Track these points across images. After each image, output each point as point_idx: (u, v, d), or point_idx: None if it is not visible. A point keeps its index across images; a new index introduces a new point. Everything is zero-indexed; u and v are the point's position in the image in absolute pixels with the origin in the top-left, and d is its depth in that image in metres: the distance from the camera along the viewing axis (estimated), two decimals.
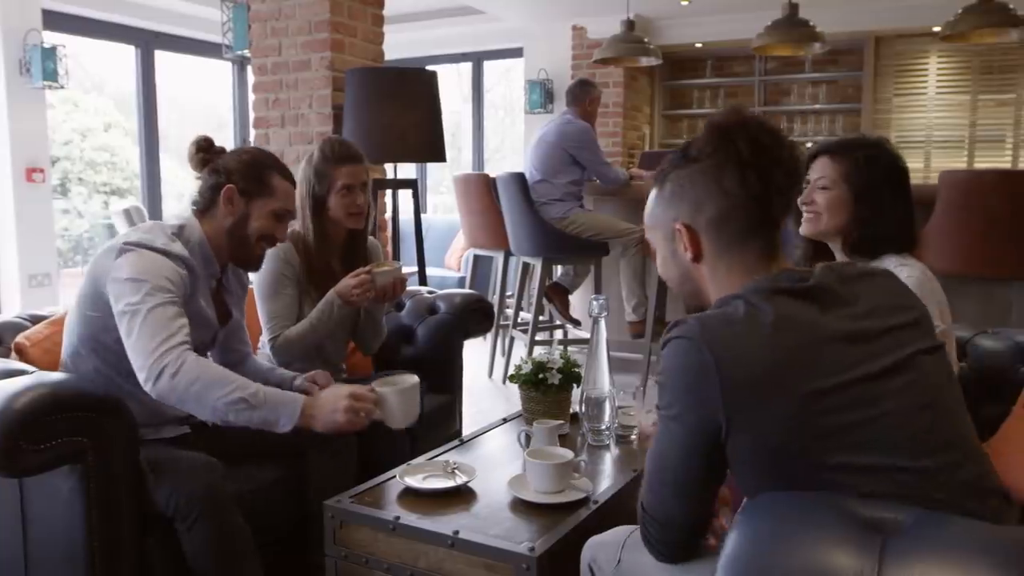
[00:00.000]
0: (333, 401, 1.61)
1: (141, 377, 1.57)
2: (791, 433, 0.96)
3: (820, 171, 1.65)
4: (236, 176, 1.77)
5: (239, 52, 4.11)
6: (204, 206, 1.79)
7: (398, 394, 1.61)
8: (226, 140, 7.22)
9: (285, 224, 1.86)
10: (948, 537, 0.78)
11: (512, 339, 4.46)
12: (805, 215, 1.68)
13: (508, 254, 4.43)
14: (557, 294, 4.43)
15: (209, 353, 1.94)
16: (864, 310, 1.04)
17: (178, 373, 1.54)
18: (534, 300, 4.22)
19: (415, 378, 1.65)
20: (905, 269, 1.56)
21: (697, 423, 1.01)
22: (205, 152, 1.84)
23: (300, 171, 2.19)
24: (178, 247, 1.70)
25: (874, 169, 1.61)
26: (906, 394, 0.99)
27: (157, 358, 1.54)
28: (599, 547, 1.27)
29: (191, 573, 1.59)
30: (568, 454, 1.60)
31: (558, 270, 4.49)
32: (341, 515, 1.54)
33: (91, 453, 1.50)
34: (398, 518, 1.48)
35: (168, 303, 1.60)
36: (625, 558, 1.20)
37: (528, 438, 1.78)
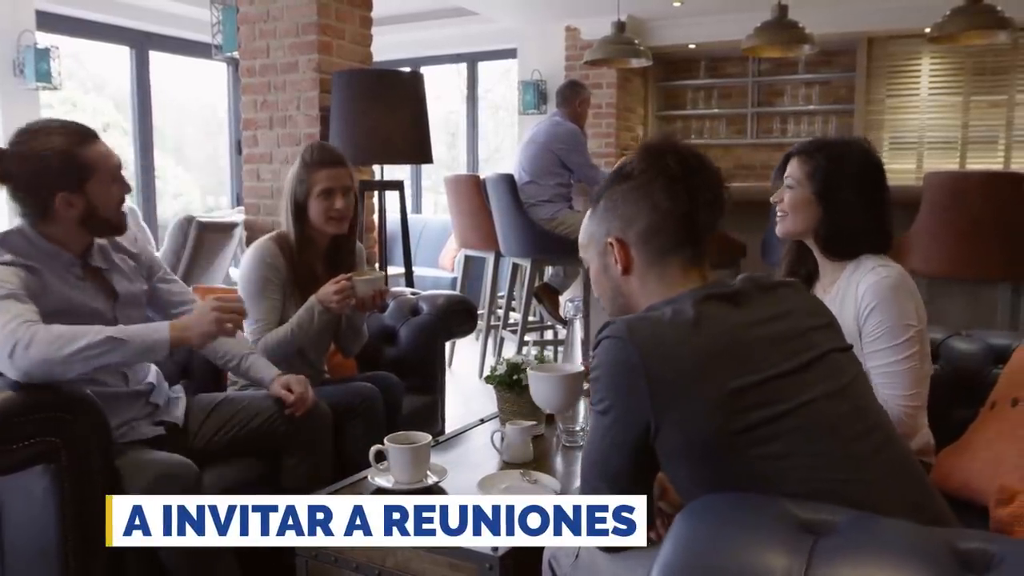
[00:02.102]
0: (200, 316, 1.68)
1: (3, 367, 1.52)
2: (719, 428, 1.00)
3: (789, 171, 1.67)
4: (55, 178, 1.64)
5: (229, 53, 4.13)
6: (38, 219, 1.68)
7: (410, 452, 1.62)
8: (224, 139, 7.25)
9: (122, 179, 1.75)
10: (877, 537, 0.79)
11: (502, 340, 4.48)
12: (777, 215, 1.70)
13: (499, 255, 4.45)
14: (547, 294, 4.44)
15: None
16: (782, 313, 1.11)
17: (31, 343, 1.49)
18: (524, 301, 4.24)
19: (428, 437, 1.68)
20: (883, 269, 1.57)
21: (626, 418, 1.06)
22: None
23: (287, 177, 2.21)
24: (5, 256, 1.62)
25: (839, 168, 1.61)
26: (824, 387, 1.05)
27: (6, 337, 1.50)
28: (560, 545, 1.29)
29: (165, 572, 1.60)
30: (577, 367, 1.61)
31: (548, 271, 4.51)
32: None
33: (64, 453, 1.52)
34: None
35: (6, 296, 1.55)
36: (583, 553, 1.23)
37: (502, 439, 1.80)
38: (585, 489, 1.17)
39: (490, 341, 4.63)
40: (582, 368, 1.59)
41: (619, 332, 1.06)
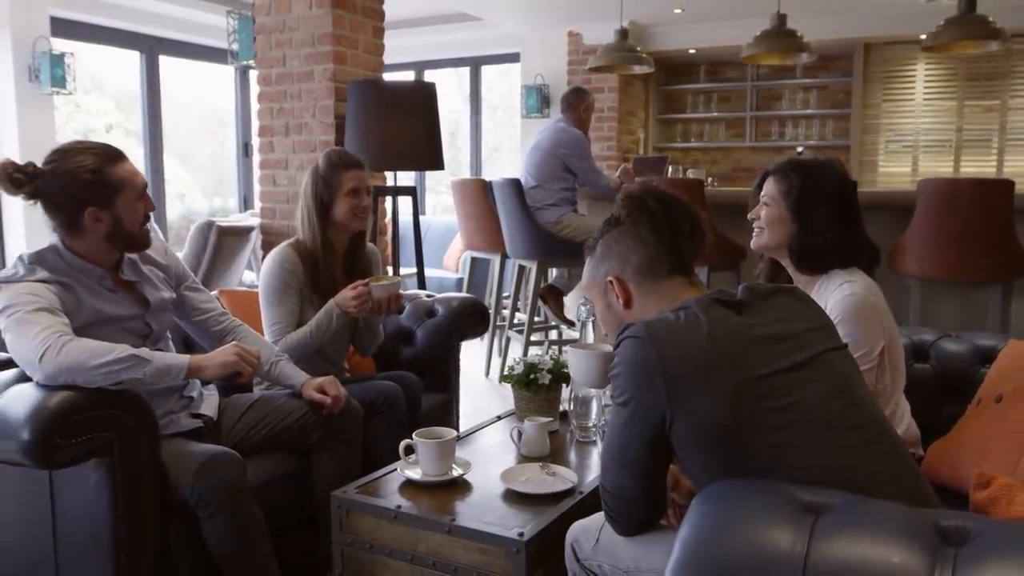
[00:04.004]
0: (221, 351, 1.82)
1: (30, 370, 1.63)
2: (726, 420, 1.12)
3: (765, 189, 1.78)
4: (86, 194, 1.74)
5: (244, 61, 4.24)
6: (68, 232, 1.79)
7: (437, 446, 1.74)
8: (226, 140, 7.35)
9: (147, 197, 1.85)
10: (870, 516, 0.91)
11: (508, 340, 4.59)
12: (754, 230, 1.81)
13: (504, 257, 4.56)
14: (552, 296, 4.55)
15: (170, 339, 2.04)
16: (779, 317, 1.23)
17: (62, 350, 1.60)
18: (529, 302, 4.35)
19: (453, 432, 1.80)
20: (848, 286, 1.67)
21: (644, 411, 1.18)
22: (26, 182, 1.73)
23: (304, 182, 2.32)
24: (39, 273, 1.73)
25: (812, 188, 1.71)
26: (819, 384, 1.17)
27: (39, 343, 1.60)
28: (581, 530, 1.41)
29: (211, 557, 1.72)
30: (607, 348, 1.72)
31: (553, 272, 4.62)
32: (347, 504, 1.67)
33: (117, 447, 1.63)
34: (399, 507, 1.61)
35: (39, 309, 1.66)
36: (603, 537, 1.35)
37: (520, 435, 1.91)
38: (606, 477, 1.28)
39: (495, 341, 4.74)
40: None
41: (638, 333, 1.19)
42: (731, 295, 1.26)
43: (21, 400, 1.57)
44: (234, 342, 1.90)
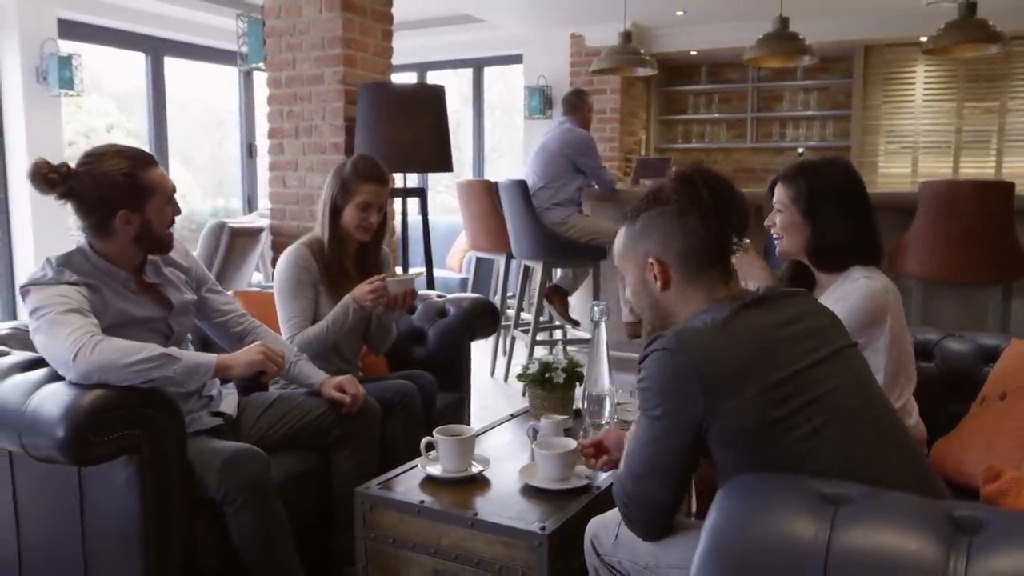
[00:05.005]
0: (247, 351, 1.88)
1: (63, 369, 1.66)
2: (758, 417, 1.16)
3: (776, 196, 1.83)
4: (118, 196, 1.78)
5: (254, 64, 4.28)
6: (97, 233, 1.83)
7: (458, 443, 1.78)
8: (224, 140, 7.38)
9: (174, 201, 1.89)
10: (887, 506, 0.96)
11: (513, 339, 4.64)
12: (775, 239, 1.86)
13: (509, 257, 4.61)
14: (557, 296, 4.61)
15: (190, 340, 2.08)
16: (799, 315, 1.29)
17: (96, 349, 1.64)
18: (534, 301, 4.39)
19: (472, 430, 1.86)
20: (866, 280, 1.73)
21: (681, 419, 1.21)
22: (60, 182, 1.77)
23: (329, 177, 2.37)
24: (67, 275, 1.78)
25: (819, 188, 1.76)
26: (840, 379, 1.23)
27: (72, 343, 1.64)
28: (600, 525, 1.45)
29: (236, 552, 1.76)
30: (571, 443, 1.78)
31: (557, 273, 4.67)
32: (370, 500, 1.71)
33: (147, 445, 1.67)
34: (423, 502, 1.66)
35: (70, 311, 1.70)
36: (622, 534, 1.39)
37: (535, 432, 1.96)
38: (628, 484, 1.30)
39: (500, 341, 4.78)
40: (576, 445, 1.75)
41: (669, 344, 1.22)
42: (756, 293, 1.31)
43: (54, 399, 1.61)
44: (259, 342, 1.95)
